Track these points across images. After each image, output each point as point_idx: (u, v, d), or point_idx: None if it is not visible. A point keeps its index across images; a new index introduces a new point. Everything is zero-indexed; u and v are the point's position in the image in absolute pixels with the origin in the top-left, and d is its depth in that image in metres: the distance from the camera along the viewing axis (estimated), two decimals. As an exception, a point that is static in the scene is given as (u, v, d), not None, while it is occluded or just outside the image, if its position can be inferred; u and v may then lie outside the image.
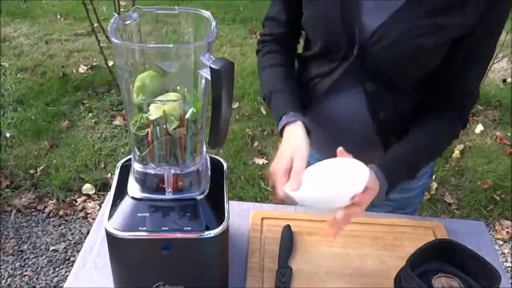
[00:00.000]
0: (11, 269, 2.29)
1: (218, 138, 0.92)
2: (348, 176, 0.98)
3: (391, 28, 1.04)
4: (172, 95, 0.92)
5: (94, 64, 3.76)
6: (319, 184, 0.98)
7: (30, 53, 3.92)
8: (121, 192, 1.00)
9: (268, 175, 1.08)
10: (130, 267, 1.00)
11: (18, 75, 3.60)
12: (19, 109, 3.24)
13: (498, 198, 2.70)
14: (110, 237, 0.96)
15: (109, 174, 2.75)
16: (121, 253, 0.99)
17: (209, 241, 0.96)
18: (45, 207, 2.63)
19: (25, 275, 2.26)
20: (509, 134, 3.18)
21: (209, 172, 1.05)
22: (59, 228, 2.52)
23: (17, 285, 2.21)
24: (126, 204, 0.97)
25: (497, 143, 3.10)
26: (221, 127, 0.90)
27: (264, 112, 3.28)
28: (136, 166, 0.97)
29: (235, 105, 3.34)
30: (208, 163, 1.07)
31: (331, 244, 1.18)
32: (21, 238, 2.45)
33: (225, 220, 0.98)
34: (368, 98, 1.14)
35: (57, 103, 3.34)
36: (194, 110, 0.91)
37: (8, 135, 3.01)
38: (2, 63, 3.71)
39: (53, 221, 2.56)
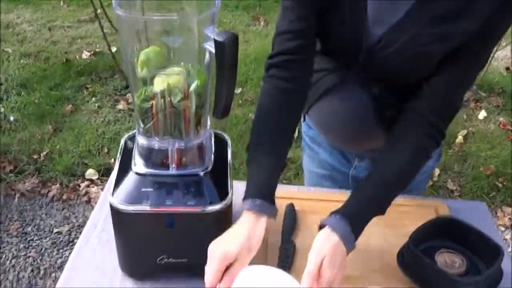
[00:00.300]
0: (15, 250, 2.30)
1: (223, 108, 0.92)
2: None
3: (397, 35, 1.02)
4: (176, 69, 0.92)
5: (97, 50, 3.75)
6: None
7: (33, 39, 3.92)
8: (125, 167, 1.01)
9: (209, 250, 0.91)
10: (134, 241, 1.01)
11: (22, 60, 3.60)
12: (22, 93, 3.25)
13: (500, 185, 2.70)
14: (114, 211, 0.96)
15: (112, 160, 2.76)
16: (125, 227, 0.99)
17: (212, 215, 0.97)
18: (49, 191, 2.64)
19: (29, 256, 2.27)
20: (513, 121, 3.18)
21: (213, 148, 1.05)
22: (63, 211, 2.53)
23: (21, 265, 2.23)
24: (130, 179, 0.97)
25: (500, 129, 3.10)
26: (225, 98, 0.90)
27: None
28: (141, 140, 0.98)
29: (238, 90, 3.33)
30: (212, 139, 1.07)
31: (334, 222, 1.18)
32: (25, 220, 2.46)
33: (229, 195, 0.98)
34: (373, 99, 1.13)
35: (60, 87, 3.34)
36: (199, 83, 0.92)
37: (11, 118, 3.02)
38: (5, 49, 3.71)
39: (57, 205, 2.57)
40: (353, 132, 1.20)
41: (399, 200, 1.26)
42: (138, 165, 0.98)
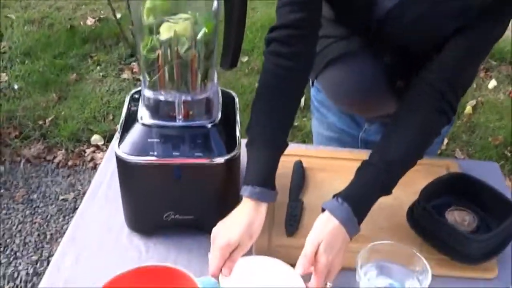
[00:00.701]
0: (22, 216, 2.30)
1: (231, 58, 0.90)
2: None
3: (413, 5, 0.98)
4: (183, 15, 0.89)
5: (102, 16, 3.71)
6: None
7: (37, 6, 3.87)
8: (131, 119, 0.99)
9: (212, 237, 0.92)
10: (140, 196, 1.00)
11: (25, 27, 3.56)
12: (26, 61, 3.22)
13: (509, 154, 2.68)
14: (120, 162, 0.95)
15: (118, 126, 2.74)
16: (131, 180, 0.98)
17: (220, 167, 0.95)
18: (54, 157, 2.63)
19: (35, 223, 2.28)
20: (523, 90, 3.13)
21: (220, 102, 1.03)
22: (68, 178, 2.53)
23: (27, 231, 2.23)
24: (136, 130, 0.96)
25: (510, 99, 3.05)
26: (233, 46, 0.88)
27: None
28: (147, 93, 0.96)
29: (244, 59, 3.29)
30: (220, 94, 1.05)
31: (342, 180, 1.15)
32: (31, 187, 2.46)
33: (236, 147, 0.96)
34: (385, 68, 1.10)
35: (64, 56, 3.30)
36: (206, 31, 0.89)
37: (16, 87, 3.00)
38: (9, 15, 3.67)
39: (62, 171, 2.57)
40: (363, 101, 1.18)
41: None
42: (144, 116, 0.96)
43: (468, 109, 2.94)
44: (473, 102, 3.00)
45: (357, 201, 0.94)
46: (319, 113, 1.41)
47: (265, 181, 0.94)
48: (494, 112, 2.95)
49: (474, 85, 3.15)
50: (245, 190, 0.93)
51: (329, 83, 1.22)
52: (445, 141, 2.73)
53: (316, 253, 0.89)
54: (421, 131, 0.99)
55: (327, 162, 1.22)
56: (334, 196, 0.95)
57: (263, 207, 0.94)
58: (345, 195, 0.94)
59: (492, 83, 3.15)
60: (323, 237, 0.90)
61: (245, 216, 0.92)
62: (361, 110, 1.24)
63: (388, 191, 0.98)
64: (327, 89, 1.25)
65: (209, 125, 0.96)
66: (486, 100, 3.04)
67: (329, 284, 0.90)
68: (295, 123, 2.80)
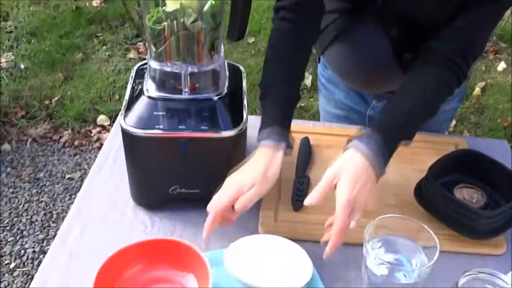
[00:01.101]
0: (28, 195, 2.31)
1: (237, 29, 0.88)
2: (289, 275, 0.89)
3: None
4: (190, -15, 0.87)
5: (107, -3, 3.69)
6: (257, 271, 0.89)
7: (42, -14, 3.85)
8: (137, 92, 0.98)
9: (224, 185, 0.91)
10: (146, 169, 0.99)
11: (31, 8, 3.55)
12: (32, 41, 3.21)
13: (517, 135, 2.66)
14: (126, 136, 0.94)
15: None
16: (137, 153, 0.97)
17: (226, 141, 0.94)
18: (61, 137, 2.64)
19: (41, 201, 2.28)
20: (533, 73, 3.10)
21: (227, 75, 1.01)
22: (75, 157, 2.53)
23: (34, 210, 2.24)
24: (142, 103, 0.95)
25: (519, 81, 3.03)
26: (240, 17, 0.86)
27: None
28: (153, 64, 0.94)
29: (251, 40, 3.27)
30: (226, 67, 1.03)
31: (350, 157, 1.15)
32: (37, 166, 2.47)
33: (243, 121, 0.95)
34: (392, 42, 1.09)
35: (70, 35, 3.29)
36: (213, 2, 0.87)
37: (22, 66, 2.99)
38: (14, -5, 3.66)
39: (69, 151, 2.57)
40: (370, 76, 1.16)
41: (417, 136, 1.23)
42: (150, 89, 0.95)
43: (477, 90, 2.91)
44: (482, 84, 2.97)
45: (380, 142, 0.88)
46: (326, 90, 1.39)
47: (283, 122, 0.93)
48: (503, 94, 2.92)
49: (483, 67, 3.12)
50: (262, 134, 0.92)
51: (335, 59, 1.21)
52: (453, 122, 2.70)
53: (336, 188, 0.86)
54: (437, 83, 0.97)
55: (334, 139, 1.21)
56: (355, 137, 0.91)
57: (279, 154, 0.91)
58: (369, 135, 0.89)
59: (502, 65, 3.12)
60: (343, 170, 0.85)
61: (261, 162, 0.89)
62: (368, 85, 1.23)
63: (409, 138, 0.95)
64: (333, 64, 1.24)
65: (216, 98, 0.95)
66: (495, 82, 3.00)
67: (352, 223, 0.85)
68: (302, 104, 2.78)
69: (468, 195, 1.04)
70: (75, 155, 2.54)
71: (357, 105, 1.35)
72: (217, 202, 0.89)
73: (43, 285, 0.89)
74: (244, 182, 0.88)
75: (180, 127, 0.92)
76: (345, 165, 0.87)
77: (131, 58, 3.13)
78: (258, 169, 0.89)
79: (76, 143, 2.59)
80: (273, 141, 0.91)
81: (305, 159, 1.14)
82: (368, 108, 1.34)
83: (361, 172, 0.87)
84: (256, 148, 0.93)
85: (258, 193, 0.88)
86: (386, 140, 0.90)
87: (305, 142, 1.17)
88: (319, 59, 1.34)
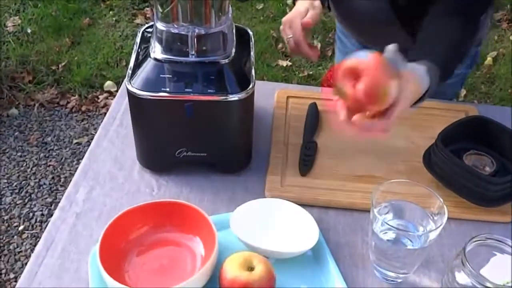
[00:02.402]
0: (36, 159, 2.32)
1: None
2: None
3: None
4: None
5: (115, -39, 3.63)
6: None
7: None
8: (143, 54, 0.97)
9: (284, 22, 1.11)
10: (152, 132, 0.98)
11: (37, -29, 3.50)
12: (39, 5, 3.18)
13: (528, 106, 2.62)
14: (132, 98, 0.93)
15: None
16: (143, 116, 0.96)
17: (233, 105, 0.93)
18: (68, 102, 2.63)
19: (49, 165, 2.30)
20: (546, 42, 3.04)
21: (235, 38, 0.99)
22: (82, 122, 2.53)
23: (42, 173, 2.26)
24: (148, 65, 0.93)
25: (532, 51, 2.97)
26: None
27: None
28: (159, 26, 0.92)
29: (260, 6, 3.22)
30: (234, 30, 1.01)
31: (358, 123, 1.14)
32: (45, 131, 2.47)
33: (251, 84, 0.94)
34: None
35: (77, 0, 3.25)
36: (221, -40, 0.85)
37: (29, 30, 2.97)
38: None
39: (76, 116, 2.57)
40: (370, 25, 1.17)
41: (427, 103, 1.21)
42: (157, 51, 0.93)
43: (489, 60, 2.87)
44: (494, 53, 2.92)
45: (433, 54, 0.91)
46: (340, 42, 1.41)
47: None
48: (515, 64, 2.88)
49: (495, 37, 3.07)
50: None
51: (337, 4, 1.23)
52: (463, 92, 2.67)
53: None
54: (462, 24, 0.98)
55: (343, 105, 1.19)
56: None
57: None
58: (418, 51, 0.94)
59: None
60: (407, 91, 0.82)
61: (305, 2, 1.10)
62: (368, 34, 1.23)
63: (447, 75, 0.95)
64: (337, 10, 1.26)
65: (223, 61, 0.93)
66: (507, 52, 2.95)
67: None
68: (310, 72, 2.76)
69: (478, 162, 1.03)
70: (82, 120, 2.54)
71: None
72: (299, 32, 1.07)
73: (50, 246, 0.89)
74: (301, 10, 1.09)
75: (186, 90, 0.91)
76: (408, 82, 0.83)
77: (138, 24, 3.10)
78: (305, 3, 1.10)
79: (83, 108, 2.59)
80: None
81: (313, 124, 1.13)
82: None
83: (407, 80, 0.82)
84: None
85: (315, 14, 1.09)
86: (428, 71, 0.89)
87: (313, 107, 1.16)
88: (329, 8, 1.32)
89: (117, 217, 0.86)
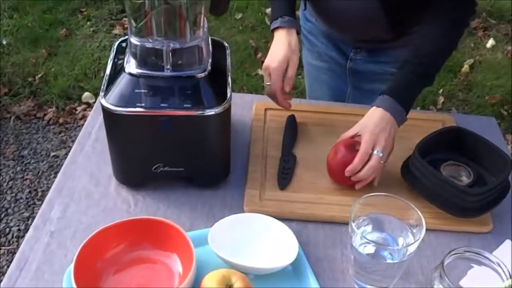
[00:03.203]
0: (12, 173, 2.28)
1: (221, 3, 0.85)
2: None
3: None
4: (170, -44, 0.84)
5: (92, -29, 3.60)
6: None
7: (24, -40, 3.75)
8: (117, 69, 0.95)
9: (264, 69, 1.11)
10: (128, 148, 0.97)
11: (13, -18, 3.46)
12: (15, 16, 3.13)
13: (505, 113, 2.65)
14: (106, 113, 0.92)
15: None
16: (118, 132, 0.95)
17: (210, 120, 0.92)
18: (45, 114, 2.59)
19: (26, 179, 2.25)
20: (521, 49, 3.08)
21: (211, 51, 0.99)
22: (60, 135, 2.49)
23: (18, 187, 2.21)
24: (123, 80, 0.92)
25: (508, 58, 3.00)
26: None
27: (268, 23, 3.16)
28: (133, 40, 0.91)
29: (239, 16, 3.22)
30: (210, 43, 1.01)
31: (337, 135, 1.13)
32: (21, 144, 2.43)
33: (227, 98, 0.93)
34: None
35: (54, 11, 3.21)
36: (195, -26, 0.84)
37: (4, 42, 2.93)
38: (-5, -31, 3.56)
39: (53, 128, 2.53)
40: (353, 16, 1.17)
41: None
42: (131, 66, 0.92)
43: (466, 67, 2.90)
44: (471, 61, 2.95)
45: (399, 92, 1.03)
46: (308, 42, 1.42)
47: (290, 12, 1.13)
48: (492, 71, 2.92)
49: (472, 44, 3.10)
50: (275, 23, 1.12)
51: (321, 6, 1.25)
52: (441, 99, 2.70)
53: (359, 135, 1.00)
54: (450, 26, 1.07)
55: (320, 117, 1.19)
56: (379, 95, 1.04)
57: (294, 32, 1.12)
58: (387, 91, 1.03)
59: (490, 42, 3.10)
60: (367, 122, 1.00)
61: (283, 40, 1.10)
62: (347, 26, 1.24)
63: (429, 81, 1.07)
64: (318, 6, 1.27)
65: (199, 75, 0.92)
66: (484, 59, 2.99)
67: (376, 151, 0.98)
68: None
69: (456, 172, 1.03)
70: (59, 132, 2.50)
71: (337, 57, 1.37)
72: (275, 87, 1.09)
73: (23, 266, 0.87)
74: (284, 59, 1.08)
75: (162, 105, 0.89)
76: (366, 119, 1.02)
77: (116, 34, 3.07)
78: (286, 47, 1.09)
79: (60, 120, 2.55)
80: (286, 24, 1.11)
81: (291, 137, 1.13)
82: (347, 61, 1.35)
83: (380, 120, 1.00)
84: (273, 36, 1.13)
85: (294, 67, 1.09)
86: (400, 100, 1.03)
87: (291, 120, 1.15)
88: (305, 6, 1.35)
89: (92, 235, 0.84)
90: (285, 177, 1.04)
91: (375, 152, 0.98)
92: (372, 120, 1.01)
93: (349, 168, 0.98)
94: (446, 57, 1.10)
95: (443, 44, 1.08)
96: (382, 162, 0.99)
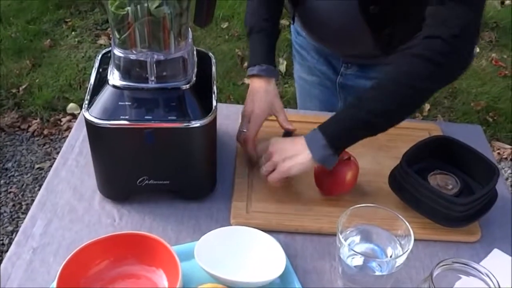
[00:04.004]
0: (-4, 186, 2.25)
1: (204, 15, 0.84)
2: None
3: None
4: (153, -32, 0.83)
5: (76, -19, 3.58)
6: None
7: (7, -30, 3.72)
8: (101, 81, 0.94)
9: (242, 115, 1.08)
10: (112, 161, 0.95)
11: (-4, -8, 3.43)
12: (-2, 27, 3.11)
13: (490, 119, 2.67)
14: (90, 126, 0.90)
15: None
16: (102, 145, 0.93)
17: (195, 132, 0.91)
18: (29, 126, 2.56)
19: (10, 192, 2.22)
20: (505, 56, 3.11)
21: (196, 62, 0.98)
22: (44, 147, 2.46)
23: (2, 201, 2.18)
24: (106, 92, 0.90)
25: (492, 65, 3.03)
26: (207, 2, 0.82)
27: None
28: (117, 52, 0.90)
29: (224, 25, 3.22)
30: (195, 54, 1.00)
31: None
32: (5, 156, 2.39)
33: (213, 110, 0.92)
34: None
35: (38, 21, 3.19)
36: (178, -15, 0.83)
37: (-13, 53, 2.90)
38: (-22, -21, 3.53)
39: (38, 140, 2.50)
40: (339, 30, 1.16)
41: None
42: (115, 78, 0.91)
43: (450, 75, 2.92)
44: (456, 68, 2.97)
45: (330, 131, 0.95)
46: (299, 56, 1.41)
47: (270, 60, 1.09)
48: (476, 78, 2.94)
49: (456, 51, 3.13)
50: (252, 70, 1.09)
51: (306, 13, 1.23)
52: (427, 106, 2.71)
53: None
54: (401, 74, 0.92)
55: (308, 127, 1.17)
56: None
57: (272, 81, 1.09)
58: (321, 125, 0.97)
59: (475, 50, 3.13)
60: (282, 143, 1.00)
61: (262, 89, 1.07)
62: (336, 41, 1.22)
63: (372, 131, 0.95)
64: (304, 20, 1.26)
65: (184, 87, 0.91)
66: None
67: (265, 166, 0.99)
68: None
69: (443, 181, 1.03)
70: (44, 144, 2.47)
71: (328, 71, 1.36)
72: (253, 133, 1.05)
73: (5, 283, 0.85)
74: (266, 110, 1.06)
75: (146, 117, 0.88)
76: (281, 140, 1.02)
77: (101, 45, 3.05)
78: (262, 94, 1.06)
79: (45, 132, 2.52)
80: (264, 73, 1.08)
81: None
82: (337, 76, 1.34)
83: (294, 145, 0.97)
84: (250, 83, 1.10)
85: (282, 113, 1.09)
86: (329, 138, 0.94)
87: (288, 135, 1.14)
88: (293, 21, 1.33)
89: (75, 252, 0.82)
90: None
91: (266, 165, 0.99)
92: (284, 145, 0.99)
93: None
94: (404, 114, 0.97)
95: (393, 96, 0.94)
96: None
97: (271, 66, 1.09)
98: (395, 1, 1.05)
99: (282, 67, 2.84)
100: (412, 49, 0.92)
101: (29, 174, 2.31)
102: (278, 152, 0.98)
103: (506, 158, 2.52)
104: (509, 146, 2.55)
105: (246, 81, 2.81)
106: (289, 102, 2.59)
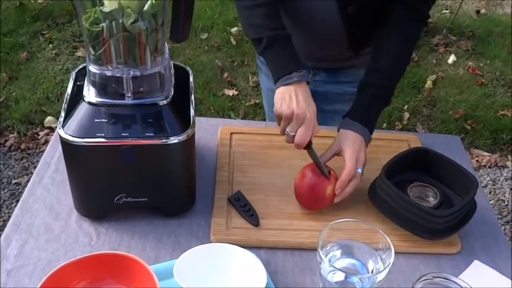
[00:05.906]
0: (-28, 202, 2.20)
1: (181, 30, 0.84)
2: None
3: None
4: (128, -16, 0.82)
5: (53, -7, 3.55)
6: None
7: (-17, -18, 3.67)
8: (76, 97, 0.92)
9: (295, 117, 1.03)
10: (88, 179, 0.93)
11: (-29, 4, 3.38)
12: (-27, 39, 3.06)
13: (469, 127, 2.70)
14: (65, 145, 0.88)
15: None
16: (78, 163, 0.91)
17: (174, 148, 0.90)
18: (6, 140, 2.51)
19: (-14, 208, 2.17)
20: (482, 65, 3.15)
21: (173, 78, 0.97)
22: (21, 161, 2.42)
23: (-22, 218, 2.13)
24: (81, 109, 0.89)
25: (469, 73, 3.07)
26: (183, 17, 0.82)
27: (234, 43, 3.16)
28: (92, 69, 0.89)
29: (204, 36, 3.21)
30: (172, 69, 0.99)
31: (303, 158, 1.12)
32: (-19, 172, 2.35)
33: (191, 126, 0.91)
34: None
35: (14, 33, 3.15)
36: (154, 1, 0.82)
37: (-38, 66, 2.85)
38: (-48, -8, 3.47)
39: (15, 154, 2.46)
40: (319, 27, 1.20)
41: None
42: (90, 95, 0.89)
43: (429, 83, 2.95)
44: (433, 77, 3.01)
45: (364, 117, 1.08)
46: (265, 67, 1.39)
47: (301, 65, 1.08)
48: (454, 86, 2.97)
49: (434, 60, 3.17)
50: (291, 78, 1.05)
51: (291, 10, 1.23)
52: (406, 115, 2.73)
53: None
54: (403, 40, 1.12)
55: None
56: (344, 117, 1.10)
57: (309, 91, 1.08)
58: (353, 115, 1.08)
59: (452, 58, 3.17)
60: (344, 141, 1.05)
61: (307, 92, 1.05)
62: (313, 38, 1.25)
63: (388, 102, 1.12)
64: (289, 16, 1.25)
65: (161, 103, 0.90)
66: (446, 75, 3.05)
67: (360, 169, 1.02)
68: (257, 100, 2.76)
69: (422, 193, 1.03)
70: (21, 159, 2.43)
71: None
72: (308, 136, 1.02)
73: (-22, 308, 0.83)
74: (312, 108, 1.03)
75: (123, 134, 0.87)
76: (342, 138, 1.06)
77: (79, 57, 3.02)
78: (309, 98, 1.05)
79: (22, 146, 2.48)
80: (304, 78, 1.06)
81: (258, 161, 1.11)
82: None
83: (355, 140, 1.05)
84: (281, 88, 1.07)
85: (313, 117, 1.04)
86: (366, 124, 1.07)
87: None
88: None
89: (51, 273, 0.80)
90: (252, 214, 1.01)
91: (358, 170, 1.02)
92: (349, 139, 1.05)
93: (337, 185, 1.00)
94: (402, 75, 1.14)
95: (400, 63, 1.13)
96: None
97: (305, 71, 1.09)
98: (371, 3, 1.14)
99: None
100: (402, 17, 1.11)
101: (6, 190, 2.27)
102: (355, 156, 1.03)
103: (484, 166, 2.54)
104: (488, 154, 2.58)
105: (227, 91, 2.80)
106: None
